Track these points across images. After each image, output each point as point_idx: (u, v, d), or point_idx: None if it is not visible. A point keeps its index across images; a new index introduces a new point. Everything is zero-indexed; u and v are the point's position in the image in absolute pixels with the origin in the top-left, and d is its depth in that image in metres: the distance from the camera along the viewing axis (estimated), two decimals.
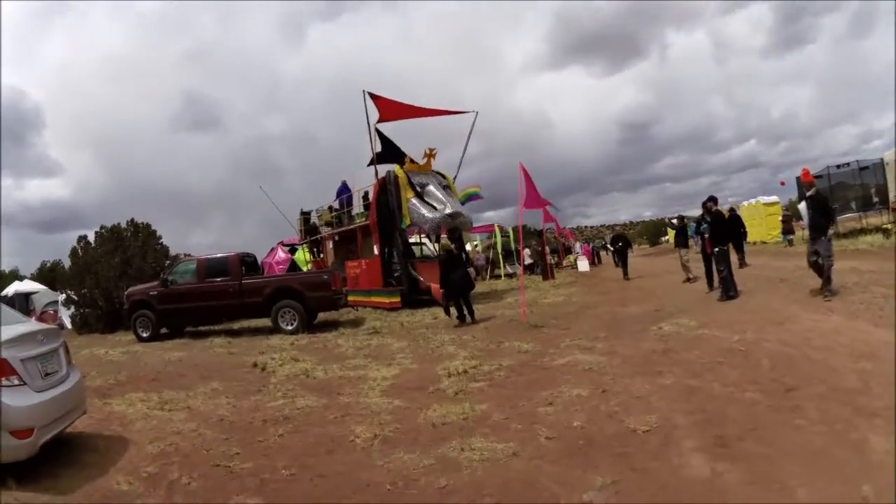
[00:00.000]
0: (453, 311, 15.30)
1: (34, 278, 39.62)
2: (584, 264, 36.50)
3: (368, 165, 24.80)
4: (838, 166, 28.64)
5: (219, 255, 17.81)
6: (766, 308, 11.66)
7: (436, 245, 24.76)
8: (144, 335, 17.29)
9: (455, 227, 21.16)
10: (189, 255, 19.91)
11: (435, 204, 21.03)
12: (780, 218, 33.73)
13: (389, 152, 23.61)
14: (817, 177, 29.16)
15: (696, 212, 19.46)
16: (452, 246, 15.85)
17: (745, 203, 38.72)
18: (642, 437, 5.78)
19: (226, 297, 16.83)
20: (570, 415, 6.65)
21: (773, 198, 36.93)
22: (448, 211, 20.74)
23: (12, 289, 36.07)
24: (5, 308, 6.63)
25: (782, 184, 33.15)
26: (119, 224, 24.22)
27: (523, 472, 5.26)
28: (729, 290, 13.68)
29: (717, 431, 5.63)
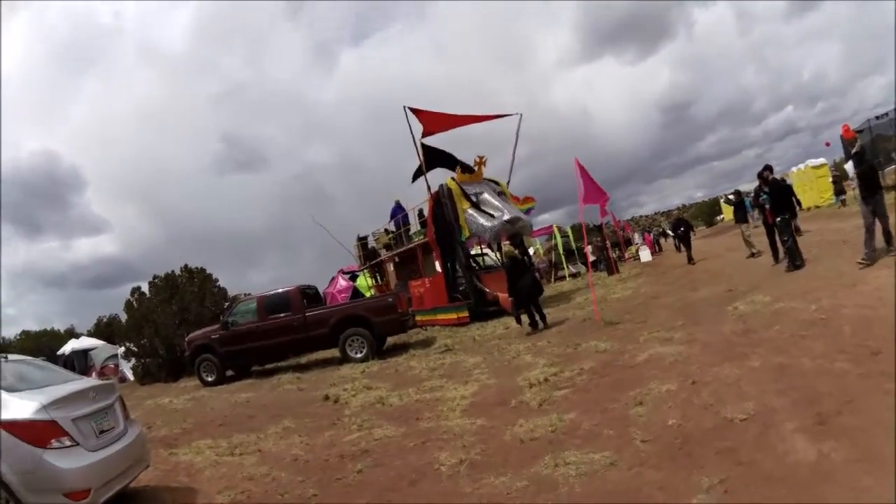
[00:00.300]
0: (524, 318, 14.78)
1: (91, 335, 40.00)
2: (646, 254, 35.69)
3: (413, 181, 24.74)
4: (877, 117, 27.95)
5: (279, 291, 17.51)
6: (836, 273, 11.16)
7: (498, 253, 24.42)
8: (209, 379, 16.99)
9: (515, 233, 20.70)
10: (248, 294, 19.61)
11: (492, 212, 20.53)
12: (830, 179, 33.35)
13: (442, 161, 23.29)
14: (858, 131, 28.34)
15: (748, 185, 19.05)
16: (516, 252, 15.44)
17: (794, 169, 38.22)
18: (741, 426, 5.44)
19: (290, 332, 16.48)
20: (664, 413, 6.25)
21: (821, 160, 36.48)
22: (506, 217, 20.21)
23: (69, 347, 36.97)
24: (53, 367, 6.49)
25: (827, 144, 32.05)
26: (173, 272, 24.21)
27: (624, 483, 4.90)
28: (795, 260, 13.26)
29: (815, 409, 5.34)
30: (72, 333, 47.20)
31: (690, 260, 22.93)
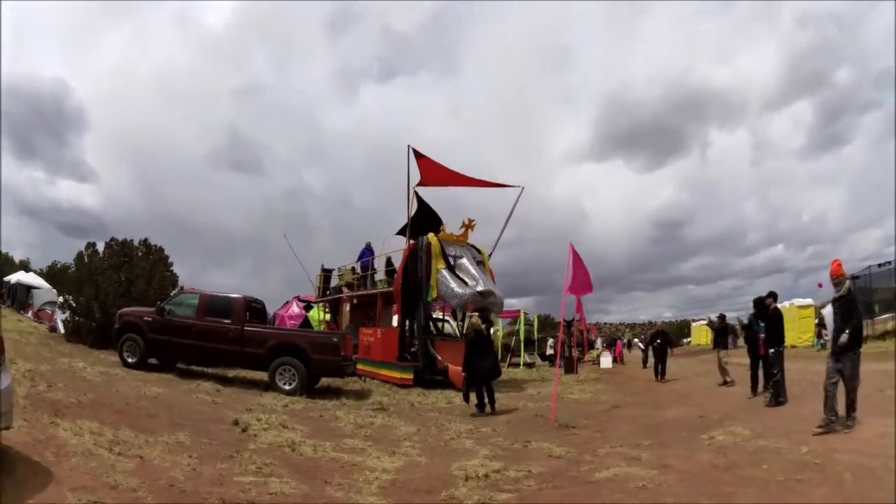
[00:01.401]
0: (473, 398, 13.56)
1: (41, 275, 38.93)
2: (607, 360, 34.67)
3: (398, 233, 23.77)
4: (880, 265, 27.78)
5: (224, 294, 16.50)
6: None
7: (458, 323, 23.21)
8: (130, 360, 15.79)
9: (484, 307, 19.49)
10: (193, 289, 18.31)
11: (467, 279, 19.50)
12: (816, 321, 33.05)
13: (424, 217, 22.11)
14: (854, 277, 27.78)
15: (716, 313, 18.59)
16: (483, 326, 14.15)
17: (778, 306, 36.96)
18: None
19: (224, 341, 15.39)
20: None
21: (808, 300, 36.40)
22: (480, 288, 19.16)
23: (15, 277, 36.37)
24: None
25: (819, 286, 31.80)
26: (131, 240, 22.98)
27: None
28: (779, 395, 12.47)
29: None
30: (25, 266, 46.20)
31: (661, 377, 21.54)
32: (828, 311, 12.49)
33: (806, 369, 16.88)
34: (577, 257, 13.49)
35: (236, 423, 9.86)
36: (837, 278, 9.46)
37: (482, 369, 13.42)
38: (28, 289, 34.48)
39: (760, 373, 14.06)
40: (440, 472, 7.76)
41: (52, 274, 36.79)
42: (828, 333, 21.40)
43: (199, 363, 16.85)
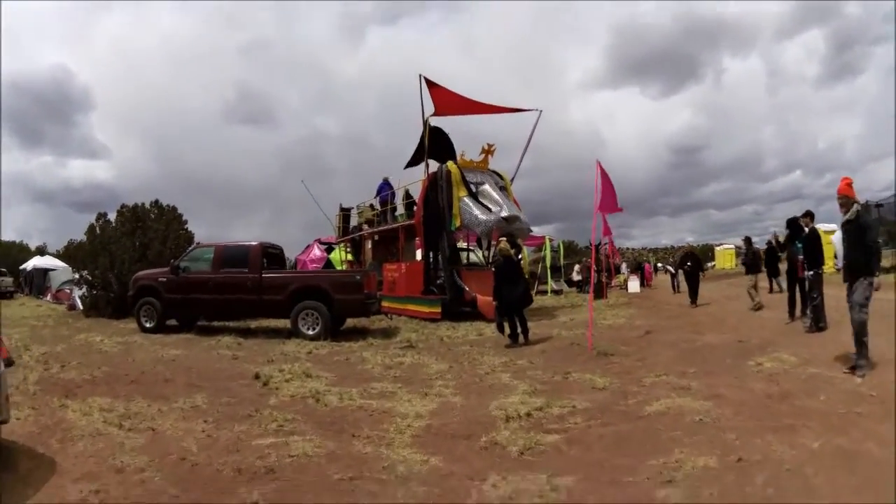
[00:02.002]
0: (506, 328, 12.90)
1: (58, 256, 39.00)
2: (634, 285, 33.99)
3: (407, 166, 23.08)
4: (878, 204, 27.12)
5: (239, 243, 15.79)
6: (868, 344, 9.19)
7: (485, 252, 22.46)
8: (148, 325, 15.48)
9: (510, 234, 18.71)
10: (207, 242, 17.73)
11: (490, 205, 18.64)
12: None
13: (441, 148, 21.09)
14: (878, 205, 27.56)
15: (735, 240, 18.17)
16: (512, 252, 13.37)
17: (778, 235, 36.58)
18: None
19: (242, 292, 14.83)
20: None
21: (833, 226, 34.55)
22: (504, 214, 18.30)
23: (31, 264, 37.26)
24: None
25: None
26: (143, 204, 22.39)
27: None
28: (820, 321, 11.74)
29: None
30: (42, 251, 46.51)
31: (694, 301, 20.51)
32: (837, 238, 11.43)
33: (839, 296, 16.15)
34: (605, 175, 12.71)
35: (257, 376, 9.31)
36: (844, 198, 8.26)
37: (514, 297, 12.71)
38: (45, 272, 34.66)
39: (798, 296, 13.54)
40: (478, 413, 7.12)
41: (69, 254, 36.77)
42: (838, 263, 20.50)
43: (220, 318, 16.55)
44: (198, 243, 18.92)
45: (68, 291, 27.38)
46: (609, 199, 12.85)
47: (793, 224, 13.55)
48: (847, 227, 8.29)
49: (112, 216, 22.41)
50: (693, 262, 21.34)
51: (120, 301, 19.44)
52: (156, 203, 22.70)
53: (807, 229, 12.70)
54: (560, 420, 6.69)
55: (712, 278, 40.30)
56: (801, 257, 12.93)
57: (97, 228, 22.24)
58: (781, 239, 15.46)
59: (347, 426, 6.62)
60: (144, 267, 18.53)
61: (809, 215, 12.90)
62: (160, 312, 15.41)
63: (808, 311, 12.27)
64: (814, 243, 12.58)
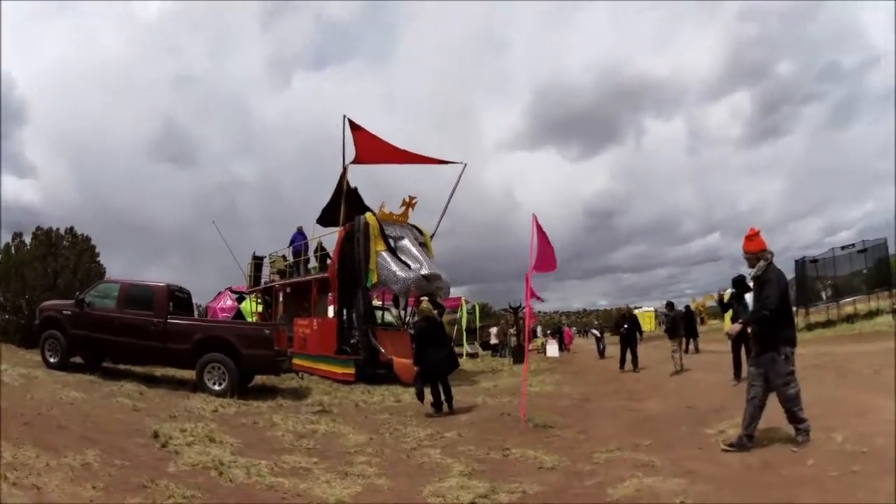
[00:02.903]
0: (427, 395, 11.77)
1: None
2: (553, 349, 33.53)
3: (318, 221, 21.77)
4: (843, 247, 26.40)
5: (144, 283, 14.42)
6: (829, 398, 8.77)
7: (401, 311, 21.35)
8: (52, 360, 13.87)
9: (430, 293, 17.70)
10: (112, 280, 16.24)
11: (409, 262, 17.67)
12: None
13: (355, 209, 19.80)
14: (812, 261, 27.41)
15: (651, 304, 17.76)
16: (435, 312, 12.27)
17: (730, 290, 37.19)
18: None
19: (146, 336, 13.38)
20: None
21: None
22: (424, 272, 17.34)
23: None
24: None
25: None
26: (57, 229, 20.79)
27: None
28: None
29: None
30: None
31: (635, 366, 19.17)
32: (750, 299, 10.80)
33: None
34: (541, 232, 11.80)
35: (156, 435, 8.00)
36: (753, 256, 7.17)
37: (437, 362, 11.61)
38: None
39: (743, 357, 12.74)
40: (411, 500, 5.98)
41: None
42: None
43: (123, 361, 15.02)
44: (105, 278, 17.42)
45: None
46: (545, 258, 11.91)
47: (739, 283, 12.99)
48: (755, 286, 7.27)
49: (17, 232, 20.86)
50: (630, 325, 20.18)
51: (29, 328, 17.76)
52: (70, 231, 21.19)
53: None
54: None
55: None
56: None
57: (12, 248, 20.70)
58: (725, 297, 15.11)
59: None
60: (54, 296, 17.13)
61: (741, 280, 12.45)
62: (64, 348, 13.89)
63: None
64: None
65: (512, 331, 32.58)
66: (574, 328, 64.01)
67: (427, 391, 11.75)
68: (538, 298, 28.16)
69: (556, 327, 47.14)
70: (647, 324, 48.41)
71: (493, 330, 35.77)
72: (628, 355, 19.23)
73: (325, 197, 20.75)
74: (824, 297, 27.31)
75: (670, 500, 5.49)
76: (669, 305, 20.07)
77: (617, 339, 20.66)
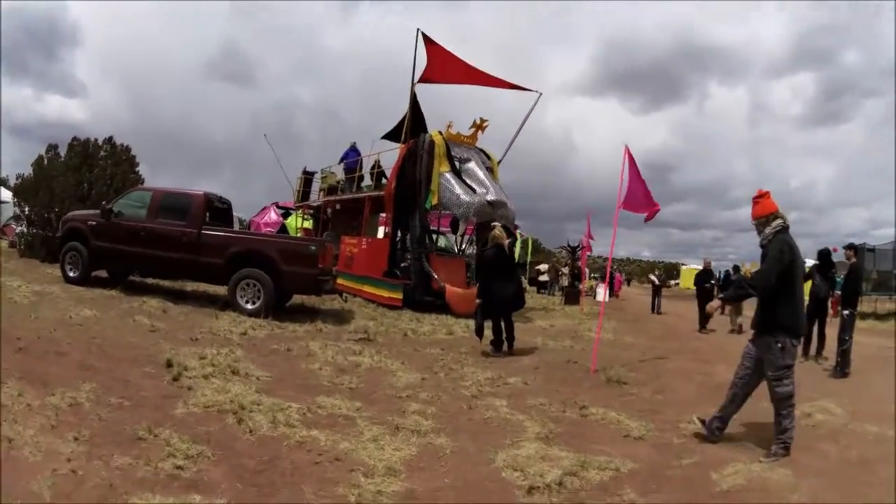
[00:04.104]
0: (487, 332, 10.52)
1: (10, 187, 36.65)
2: (601, 293, 32.03)
3: (384, 136, 20.46)
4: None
5: (180, 191, 13.19)
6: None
7: (458, 238, 20.07)
8: (72, 275, 13.03)
9: (492, 221, 16.42)
10: (144, 187, 15.14)
11: (474, 186, 16.20)
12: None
13: (418, 125, 18.45)
14: (870, 249, 26.86)
15: (697, 261, 16.53)
16: (507, 241, 10.85)
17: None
18: None
19: (177, 248, 12.24)
20: None
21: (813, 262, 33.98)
22: (490, 197, 15.88)
23: None
24: None
25: (835, 250, 29.69)
26: (95, 140, 19.74)
27: None
28: (846, 366, 10.66)
29: None
30: (4, 182, 43.79)
31: (703, 326, 17.15)
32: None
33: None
34: (633, 164, 10.35)
35: (169, 364, 6.84)
36: (759, 221, 6.01)
37: (504, 296, 10.32)
38: None
39: (815, 335, 12.29)
40: (480, 471, 4.78)
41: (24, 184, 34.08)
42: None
43: (151, 275, 14.19)
44: (138, 186, 16.37)
45: (14, 227, 24.53)
46: (638, 194, 10.42)
47: (824, 256, 12.46)
48: (761, 256, 6.07)
49: (52, 143, 19.84)
50: (715, 281, 18.07)
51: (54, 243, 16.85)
52: (109, 140, 20.07)
53: (850, 264, 11.70)
54: (605, 493, 4.52)
55: (677, 297, 38.56)
56: (837, 293, 12.15)
57: (45, 160, 19.46)
58: (807, 269, 13.56)
59: (280, 482, 4.19)
60: (87, 208, 15.95)
61: (853, 248, 11.71)
62: (86, 261, 12.96)
63: (838, 355, 10.93)
64: (856, 280, 11.59)
65: (564, 270, 31.30)
66: (623, 274, 62.46)
67: (487, 327, 10.51)
68: (591, 238, 27.08)
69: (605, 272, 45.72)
70: (688, 281, 46.92)
71: (543, 267, 34.54)
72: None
73: (381, 123, 19.47)
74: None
75: (783, 496, 4.66)
76: (735, 269, 19.61)
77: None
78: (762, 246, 5.85)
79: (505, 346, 10.38)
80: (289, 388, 6.60)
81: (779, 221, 5.82)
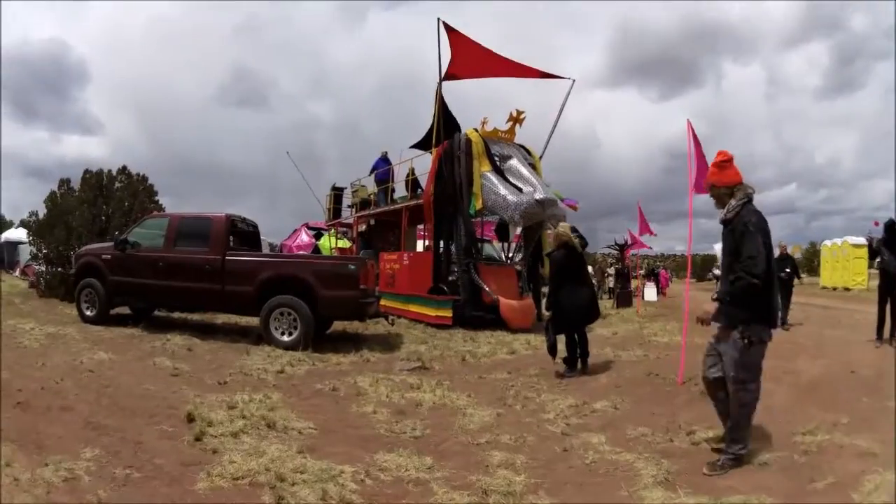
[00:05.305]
0: (560, 348, 9.19)
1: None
2: (651, 292, 30.59)
3: (413, 146, 19.27)
4: None
5: (199, 215, 12.14)
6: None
7: (506, 245, 18.78)
8: (88, 314, 12.09)
9: (540, 222, 15.14)
10: (160, 213, 14.19)
11: (520, 185, 14.82)
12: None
13: (448, 126, 17.02)
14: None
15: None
16: (577, 241, 9.52)
17: (829, 242, 36.84)
18: None
19: (199, 278, 11.18)
20: None
21: (862, 240, 33.19)
22: (539, 196, 14.44)
23: (4, 236, 34.81)
24: None
25: (876, 224, 28.37)
26: (110, 171, 18.98)
27: None
28: None
29: None
30: (25, 224, 44.41)
31: (784, 323, 14.46)
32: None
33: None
34: (697, 142, 9.10)
35: (189, 418, 5.73)
36: (720, 190, 5.08)
37: (577, 306, 9.04)
38: (15, 245, 31.67)
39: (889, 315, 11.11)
40: None
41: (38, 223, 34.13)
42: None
43: (175, 309, 13.22)
44: (153, 213, 15.40)
45: (35, 267, 24.19)
46: (702, 172, 9.15)
47: (891, 228, 11.17)
48: (724, 233, 5.10)
49: (65, 178, 19.19)
50: (792, 268, 16.26)
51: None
52: (123, 170, 19.26)
53: None
54: None
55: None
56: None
57: (58, 196, 18.81)
58: (874, 244, 12.98)
59: None
60: (105, 242, 14.85)
61: None
62: (103, 298, 11.97)
63: None
64: None
65: (610, 270, 29.97)
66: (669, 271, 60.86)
67: (560, 342, 9.23)
68: (651, 233, 25.28)
69: (650, 269, 43.95)
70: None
71: (611, 269, 33.13)
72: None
73: (402, 134, 18.34)
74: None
75: None
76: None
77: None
78: (726, 220, 4.95)
79: (579, 364, 9.16)
80: (339, 443, 5.41)
81: (748, 191, 4.93)
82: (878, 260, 11.85)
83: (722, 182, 4.97)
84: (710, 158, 5.58)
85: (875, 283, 12.45)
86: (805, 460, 4.99)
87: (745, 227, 4.68)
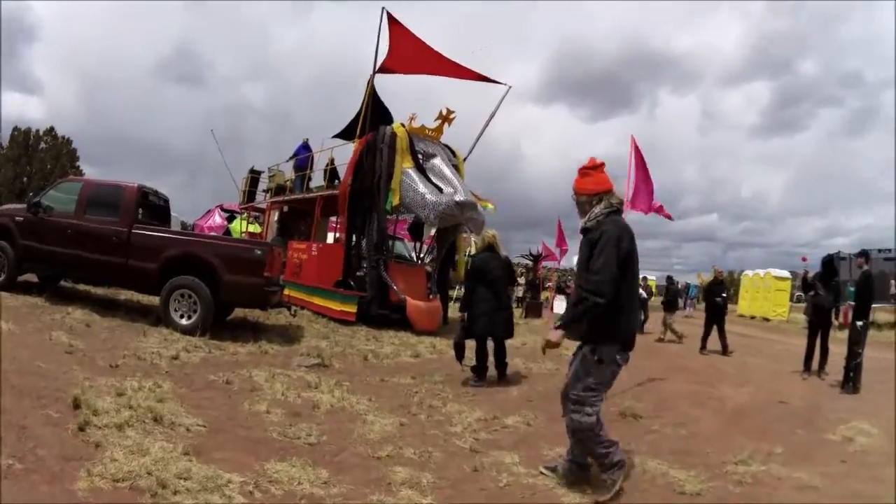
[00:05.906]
0: (468, 355, 8.90)
1: None
2: (561, 304, 30.53)
3: (336, 136, 18.75)
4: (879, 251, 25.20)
5: (111, 182, 11.45)
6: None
7: (415, 245, 18.28)
8: None
9: (457, 225, 14.74)
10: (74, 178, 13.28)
11: (441, 184, 14.40)
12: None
13: (378, 118, 16.47)
14: (888, 259, 26.25)
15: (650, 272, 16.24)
16: (499, 245, 9.10)
17: (751, 272, 37.18)
18: None
19: (105, 250, 10.48)
20: None
21: (785, 272, 34.24)
22: (459, 198, 14.02)
23: None
24: None
25: (804, 259, 29.23)
26: (38, 131, 17.91)
27: None
28: (857, 381, 10.19)
29: None
30: None
31: (725, 349, 14.46)
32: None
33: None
34: (640, 159, 8.81)
35: (76, 403, 5.14)
36: (585, 196, 4.71)
37: (495, 317, 8.65)
38: None
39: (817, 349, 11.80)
40: None
41: None
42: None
43: (79, 280, 12.58)
44: (70, 177, 14.49)
45: None
46: (643, 191, 8.87)
47: (827, 264, 12.09)
48: (581, 243, 4.76)
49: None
50: (726, 294, 15.80)
51: None
52: (50, 131, 18.28)
53: (861, 273, 11.08)
54: None
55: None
56: (850, 303, 11.78)
57: None
58: (809, 278, 12.59)
59: None
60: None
61: (864, 255, 11.19)
62: (12, 263, 11.10)
63: (851, 369, 10.41)
64: (869, 290, 10.78)
65: (521, 280, 29.86)
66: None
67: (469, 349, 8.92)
68: (564, 248, 25.42)
69: (560, 284, 43.90)
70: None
71: (522, 280, 32.98)
72: (714, 332, 14.83)
73: (332, 127, 17.75)
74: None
75: None
76: (669, 279, 20.21)
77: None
78: (586, 230, 4.56)
79: (495, 374, 8.88)
80: (228, 446, 4.88)
81: (614, 200, 4.59)
82: (811, 294, 12.27)
83: (583, 188, 4.64)
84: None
85: (796, 315, 12.71)
86: (740, 491, 4.89)
87: (601, 237, 4.32)
